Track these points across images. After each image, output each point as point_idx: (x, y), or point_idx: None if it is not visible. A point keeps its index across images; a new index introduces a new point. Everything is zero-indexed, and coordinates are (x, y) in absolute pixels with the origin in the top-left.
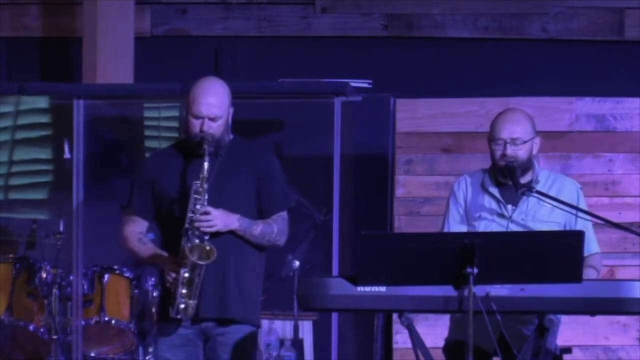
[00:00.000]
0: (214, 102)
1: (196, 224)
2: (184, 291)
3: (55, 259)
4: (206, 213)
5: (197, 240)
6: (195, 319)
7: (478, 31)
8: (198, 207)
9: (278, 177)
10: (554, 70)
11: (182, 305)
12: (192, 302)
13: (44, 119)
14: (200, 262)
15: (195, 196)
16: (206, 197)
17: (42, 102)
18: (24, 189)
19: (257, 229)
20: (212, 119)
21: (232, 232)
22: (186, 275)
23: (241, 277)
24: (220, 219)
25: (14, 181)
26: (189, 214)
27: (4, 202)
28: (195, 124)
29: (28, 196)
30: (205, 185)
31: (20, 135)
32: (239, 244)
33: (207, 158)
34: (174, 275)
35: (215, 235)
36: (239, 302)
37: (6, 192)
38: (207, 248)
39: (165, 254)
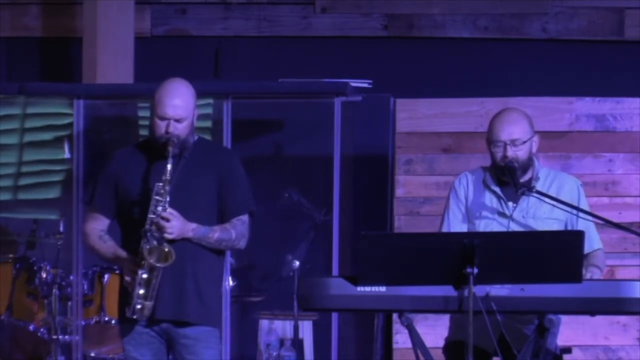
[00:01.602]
0: (179, 103)
1: (156, 226)
2: (141, 292)
3: (55, 259)
4: (166, 219)
5: (155, 242)
6: (152, 320)
7: (478, 31)
8: (159, 208)
9: (240, 180)
10: (554, 70)
11: (139, 306)
12: (148, 303)
13: (53, 120)
14: (158, 265)
15: (157, 197)
16: (167, 199)
17: (51, 104)
18: (25, 190)
19: (214, 236)
20: (178, 120)
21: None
22: (144, 276)
23: (199, 279)
24: (177, 228)
25: (19, 182)
26: (150, 215)
27: (4, 202)
28: (161, 125)
29: (30, 196)
30: (167, 187)
31: (25, 137)
32: (197, 247)
33: (170, 160)
34: (132, 275)
35: (172, 240)
36: (197, 305)
37: (11, 193)
38: (166, 250)
39: (124, 253)
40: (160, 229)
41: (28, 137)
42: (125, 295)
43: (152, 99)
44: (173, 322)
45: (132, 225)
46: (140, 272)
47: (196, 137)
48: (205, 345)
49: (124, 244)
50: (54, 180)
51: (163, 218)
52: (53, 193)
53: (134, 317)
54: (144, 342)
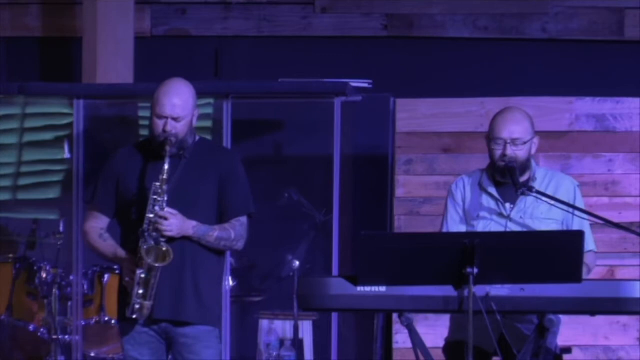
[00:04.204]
0: (177, 102)
1: (154, 226)
2: (139, 292)
3: (55, 259)
4: (164, 218)
5: (153, 242)
6: (151, 319)
7: (478, 31)
8: (157, 208)
9: (240, 181)
10: (554, 70)
11: (137, 306)
12: (147, 303)
13: (54, 120)
14: (155, 264)
15: (155, 197)
16: (165, 198)
17: (53, 104)
18: (26, 190)
19: (213, 235)
20: (176, 119)
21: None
22: (142, 276)
23: (198, 279)
24: (175, 226)
25: (16, 182)
26: (148, 215)
27: (5, 202)
28: (159, 124)
29: (30, 196)
30: (165, 187)
31: (25, 137)
32: (197, 247)
33: (167, 160)
34: (131, 275)
35: (172, 237)
36: (195, 305)
37: (11, 193)
38: (164, 249)
39: (124, 253)
40: (158, 229)
41: (28, 137)
42: (125, 295)
43: (152, 98)
44: (172, 322)
45: (130, 225)
46: (138, 272)
47: (197, 138)
48: (206, 344)
49: (123, 243)
50: (54, 180)
51: (161, 217)
52: (53, 193)
53: (134, 316)
54: (143, 342)
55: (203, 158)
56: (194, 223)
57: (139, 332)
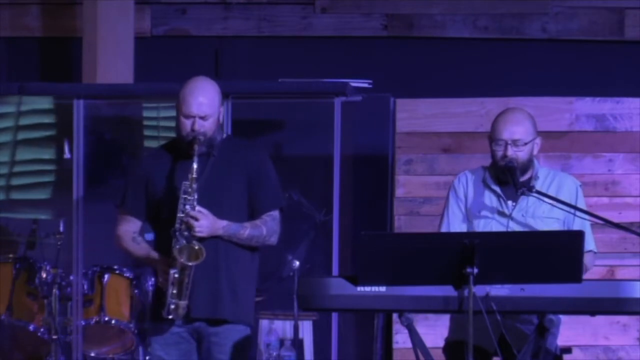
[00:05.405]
0: (204, 100)
1: (185, 225)
2: (174, 291)
3: (55, 259)
4: (195, 218)
5: (185, 241)
6: (187, 318)
7: (478, 31)
8: (187, 207)
9: (270, 176)
10: (554, 70)
11: (173, 306)
12: (182, 303)
13: (45, 119)
14: (188, 263)
15: (185, 196)
16: (195, 197)
17: (44, 102)
18: (25, 189)
19: (245, 233)
20: (203, 118)
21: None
22: (176, 275)
23: (233, 277)
24: (206, 227)
25: (15, 181)
26: (179, 214)
27: (4, 202)
28: (187, 124)
29: (29, 196)
30: (195, 186)
31: (22, 135)
32: (231, 245)
33: (195, 159)
34: (164, 275)
35: (203, 237)
36: (231, 302)
37: (7, 193)
38: (196, 248)
39: (156, 254)
40: (190, 228)
41: (25, 136)
42: (160, 296)
43: (176, 98)
44: (207, 320)
45: (163, 225)
46: (172, 271)
47: (224, 135)
48: (237, 345)
49: (157, 245)
50: (54, 180)
51: (192, 217)
52: (51, 193)
53: (170, 317)
54: (172, 342)
55: (231, 155)
56: (224, 223)
57: (171, 333)
